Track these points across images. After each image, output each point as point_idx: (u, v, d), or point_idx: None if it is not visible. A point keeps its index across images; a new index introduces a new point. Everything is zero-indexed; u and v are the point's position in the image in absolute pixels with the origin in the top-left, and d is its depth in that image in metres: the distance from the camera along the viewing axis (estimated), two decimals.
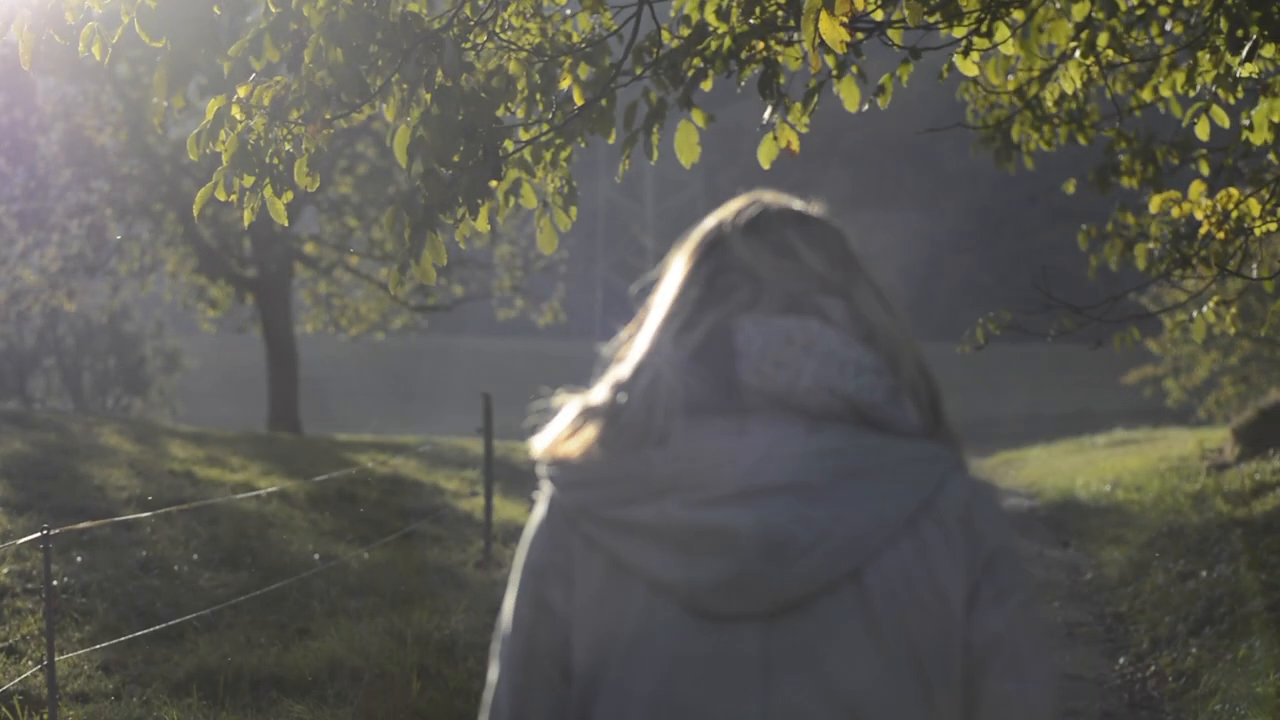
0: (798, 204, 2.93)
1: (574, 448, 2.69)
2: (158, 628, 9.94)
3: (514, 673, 2.72)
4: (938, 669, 2.59)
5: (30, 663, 9.39)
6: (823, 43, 3.95)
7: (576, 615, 2.66)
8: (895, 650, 2.55)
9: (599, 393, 2.74)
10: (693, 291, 2.76)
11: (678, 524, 2.55)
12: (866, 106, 7.73)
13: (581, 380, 2.87)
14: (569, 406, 2.75)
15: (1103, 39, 9.05)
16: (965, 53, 8.35)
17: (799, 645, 2.54)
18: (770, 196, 2.92)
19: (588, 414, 2.71)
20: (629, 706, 2.60)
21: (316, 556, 13.06)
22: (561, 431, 2.72)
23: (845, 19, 3.35)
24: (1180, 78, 8.71)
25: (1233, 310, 10.11)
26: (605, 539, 2.63)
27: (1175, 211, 9.62)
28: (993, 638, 2.63)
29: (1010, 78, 9.82)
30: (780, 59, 7.30)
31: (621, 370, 2.75)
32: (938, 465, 2.65)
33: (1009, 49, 8.49)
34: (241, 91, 6.13)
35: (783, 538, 2.52)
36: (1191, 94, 8.85)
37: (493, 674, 2.78)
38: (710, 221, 2.89)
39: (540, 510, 2.76)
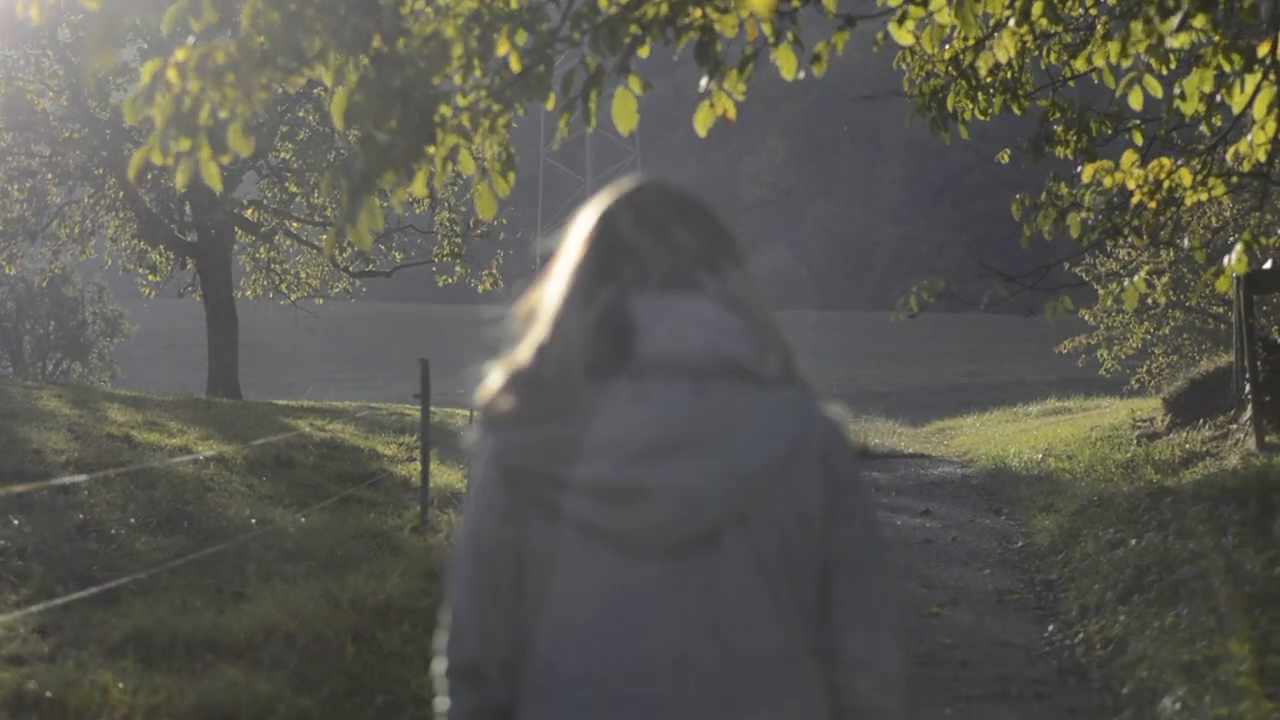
0: (674, 187, 3.38)
1: (507, 409, 3.18)
2: (94, 591, 9.91)
3: (474, 594, 3.21)
4: (807, 579, 3.17)
5: None
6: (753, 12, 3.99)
7: (523, 548, 3.15)
8: (775, 569, 3.13)
9: (523, 354, 3.23)
10: (589, 267, 3.25)
11: (604, 481, 3.06)
12: (803, 75, 7.76)
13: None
14: (499, 368, 3.24)
15: (1037, 8, 9.12)
16: (900, 21, 8.41)
17: (700, 572, 3.09)
18: (651, 181, 3.38)
19: (516, 377, 3.20)
20: (568, 623, 3.13)
21: (253, 521, 13.05)
22: (495, 392, 3.22)
23: None
24: (1114, 48, 8.76)
25: (1165, 280, 10.20)
26: (544, 492, 3.11)
27: (1108, 181, 9.69)
28: (840, 549, 3.19)
29: (946, 47, 9.87)
30: (717, 26, 7.32)
31: (538, 333, 3.24)
32: (801, 408, 3.19)
33: (944, 18, 8.53)
34: (179, 55, 6.12)
35: (686, 489, 3.06)
36: (1125, 64, 8.90)
37: (454, 596, 3.24)
38: (599, 205, 3.34)
39: (486, 463, 3.20)
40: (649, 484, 3.06)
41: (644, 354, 3.11)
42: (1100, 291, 17.86)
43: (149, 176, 30.52)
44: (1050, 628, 11.46)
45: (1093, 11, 9.43)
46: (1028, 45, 9.59)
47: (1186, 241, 10.61)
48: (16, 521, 11.51)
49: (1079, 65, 9.71)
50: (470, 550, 3.22)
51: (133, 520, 12.24)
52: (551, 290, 3.29)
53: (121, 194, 31.36)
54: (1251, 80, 8.37)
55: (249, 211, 33.10)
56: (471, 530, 3.22)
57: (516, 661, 3.21)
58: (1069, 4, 9.29)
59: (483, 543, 3.20)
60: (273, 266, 35.33)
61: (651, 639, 3.10)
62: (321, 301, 37.04)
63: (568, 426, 3.10)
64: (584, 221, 3.32)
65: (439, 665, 3.28)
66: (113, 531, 11.78)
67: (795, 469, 3.13)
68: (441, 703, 3.29)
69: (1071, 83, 10.17)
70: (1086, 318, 45.24)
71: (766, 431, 3.13)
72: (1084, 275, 31.90)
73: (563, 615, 3.14)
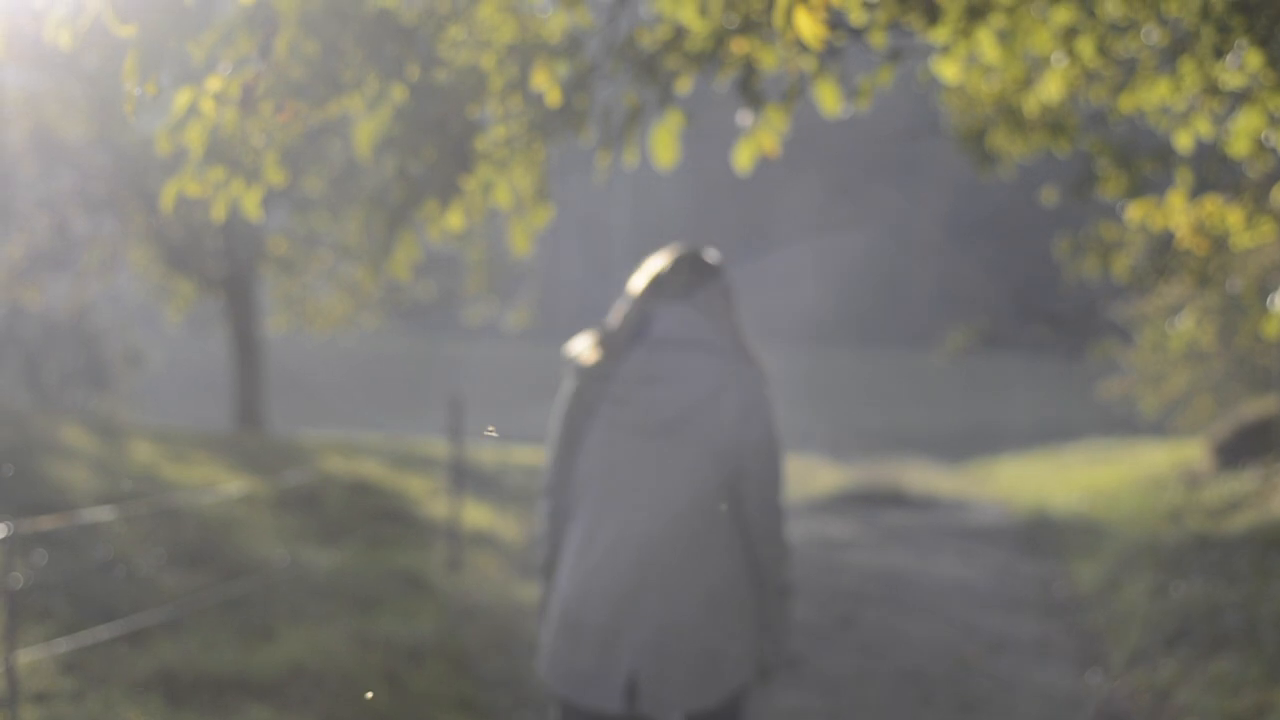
0: (691, 249, 6.08)
1: (587, 355, 5.86)
2: (120, 627, 9.82)
3: (560, 455, 5.93)
4: (730, 458, 5.69)
5: None
6: (800, 42, 3.85)
7: (577, 430, 5.84)
8: (712, 449, 5.68)
9: (603, 327, 5.95)
10: (644, 291, 5.96)
11: (621, 394, 5.77)
12: (847, 112, 7.65)
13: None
14: (588, 335, 5.94)
15: (1085, 46, 8.98)
16: (946, 57, 8.28)
17: (672, 444, 5.71)
18: (681, 246, 6.11)
19: (595, 339, 5.90)
20: (589, 467, 5.81)
21: (281, 558, 12.95)
22: (583, 347, 5.91)
23: (822, 14, 3.26)
24: (1163, 87, 8.63)
25: (1212, 323, 10.09)
26: (594, 401, 5.81)
27: (1154, 222, 9.55)
28: (748, 442, 5.71)
29: (990, 84, 9.75)
30: (759, 61, 7.22)
31: (612, 321, 5.96)
32: (731, 364, 5.79)
33: (990, 55, 8.41)
34: (212, 84, 6.02)
35: (660, 402, 5.72)
36: (1175, 104, 8.77)
37: (548, 455, 5.97)
38: (652, 264, 6.04)
39: (569, 384, 5.88)
40: (637, 397, 5.72)
41: (652, 335, 5.84)
42: (1146, 333, 17.71)
43: (177, 208, 30.53)
44: (1094, 676, 11.29)
45: (1141, 51, 9.27)
46: (1074, 83, 9.45)
47: (1238, 283, 10.46)
48: (41, 556, 11.41)
49: (1126, 104, 9.58)
50: (561, 430, 5.89)
51: (159, 556, 12.14)
52: (628, 301, 5.96)
53: (147, 224, 31.33)
54: None
55: (278, 244, 33.06)
56: (562, 421, 5.89)
57: (573, 484, 5.87)
58: (1117, 42, 9.14)
59: (561, 426, 5.89)
60: (301, 300, 35.30)
61: (628, 476, 5.73)
62: (350, 335, 36.98)
63: (609, 368, 5.80)
64: (650, 266, 6.00)
65: (544, 485, 6.03)
66: (139, 567, 11.68)
67: (722, 396, 5.71)
68: (542, 506, 6.05)
69: (1118, 122, 10.02)
70: (1129, 360, 45.08)
71: (707, 375, 5.74)
72: (1125, 317, 31.79)
73: (590, 461, 5.80)
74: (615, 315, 5.96)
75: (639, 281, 5.96)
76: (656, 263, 5.99)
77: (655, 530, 5.67)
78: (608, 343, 5.84)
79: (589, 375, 5.80)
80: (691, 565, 5.67)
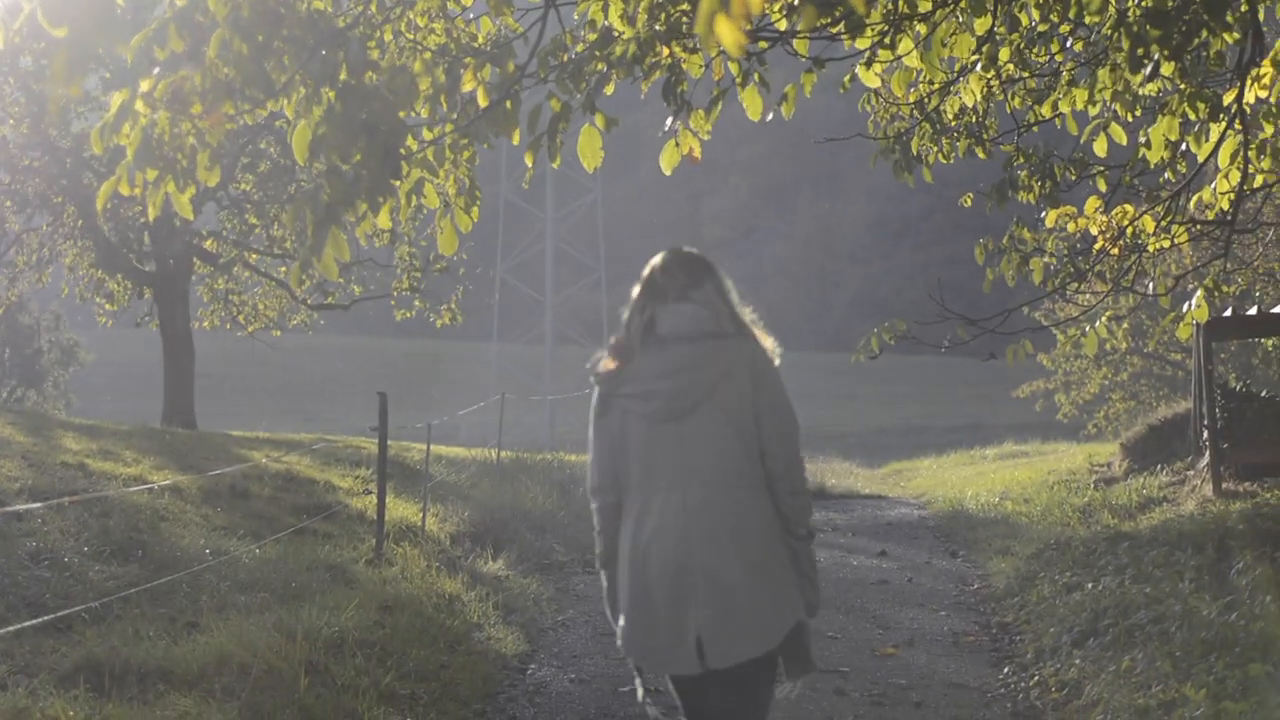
0: (683, 251, 6.58)
1: (607, 365, 6.37)
2: (46, 619, 9.84)
3: (598, 456, 6.42)
4: (747, 428, 6.24)
5: None
6: (722, 50, 3.97)
7: (613, 429, 6.36)
8: (733, 417, 6.21)
9: (616, 337, 6.46)
10: (642, 295, 6.43)
11: (638, 390, 6.28)
12: (771, 116, 7.78)
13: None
14: (607, 347, 6.47)
15: (1004, 54, 9.14)
16: (868, 64, 8.42)
17: (697, 422, 6.22)
18: (672, 250, 6.57)
19: (610, 349, 6.43)
20: (632, 460, 6.32)
21: (207, 551, 12.97)
22: (604, 359, 6.41)
23: (744, 22, 3.36)
24: (1081, 95, 8.80)
25: (1124, 325, 10.23)
26: (618, 402, 6.34)
27: (1071, 227, 9.72)
28: (762, 408, 6.25)
29: (912, 90, 9.89)
30: (684, 66, 7.33)
31: (623, 328, 6.44)
32: (741, 344, 6.32)
33: (912, 62, 8.56)
34: (144, 85, 6.09)
35: (681, 390, 6.22)
36: (1092, 111, 8.93)
37: (591, 456, 6.45)
38: (650, 264, 6.49)
39: (597, 392, 6.39)
40: (659, 389, 6.23)
41: (660, 333, 6.32)
42: (1060, 337, 17.94)
43: (109, 205, 30.42)
44: (1006, 670, 11.45)
45: (1059, 58, 9.45)
46: (994, 90, 9.61)
47: (1151, 287, 10.63)
48: None
49: (1045, 111, 9.74)
50: (595, 435, 6.42)
51: (86, 549, 12.16)
52: (630, 307, 6.45)
53: (80, 222, 31.22)
54: (1216, 129, 8.42)
55: (208, 242, 32.97)
56: (594, 427, 6.42)
57: (616, 481, 6.41)
58: (1036, 50, 9.31)
59: (595, 431, 6.42)
60: (230, 298, 35.22)
61: (659, 458, 6.25)
62: (279, 333, 36.92)
63: (629, 370, 6.32)
64: (644, 273, 6.46)
65: (589, 487, 6.52)
66: (66, 560, 11.70)
67: (735, 373, 6.23)
68: (592, 504, 6.56)
69: (1036, 128, 10.19)
70: (1045, 362, 45.43)
71: (719, 360, 6.25)
72: (1044, 320, 32.07)
73: (628, 456, 6.33)
74: (623, 320, 6.49)
75: (638, 287, 6.47)
76: (652, 267, 6.47)
77: (695, 503, 6.20)
78: (622, 348, 6.40)
79: (611, 381, 6.37)
80: (733, 529, 6.19)
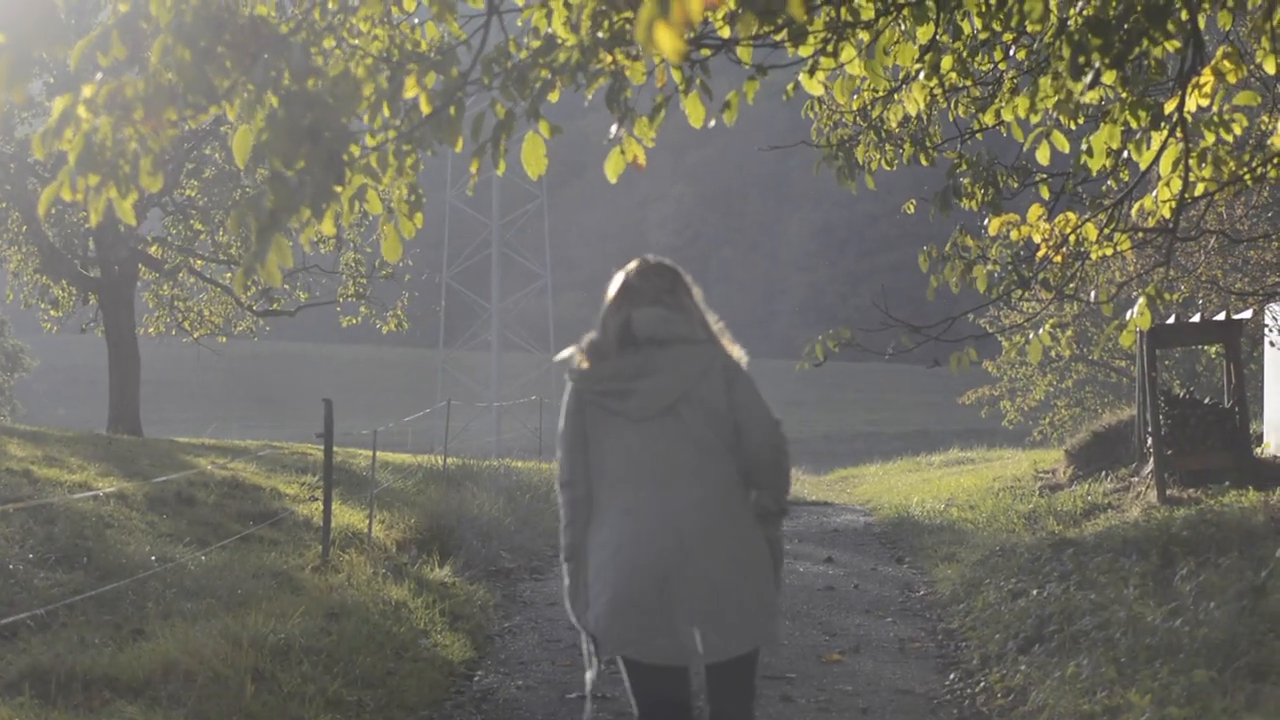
0: (655, 260, 6.96)
1: (580, 361, 6.72)
2: None
3: (568, 449, 6.71)
4: (724, 426, 6.60)
5: None
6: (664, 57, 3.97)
7: (584, 426, 6.67)
8: (709, 413, 6.57)
9: (590, 336, 6.79)
10: (617, 299, 6.80)
11: (615, 389, 6.61)
12: (713, 123, 7.78)
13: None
14: (579, 343, 6.80)
15: (946, 62, 9.17)
16: (811, 72, 8.44)
17: (674, 420, 6.56)
18: (645, 259, 6.98)
19: (585, 346, 6.76)
20: (605, 456, 6.62)
21: (153, 558, 12.93)
22: (576, 353, 6.75)
23: (683, 30, 3.34)
24: (1023, 103, 8.82)
25: (1068, 332, 10.26)
26: (592, 399, 6.66)
27: (1014, 234, 9.76)
28: (738, 408, 6.61)
29: (855, 98, 9.91)
30: (628, 73, 7.33)
31: (598, 328, 6.79)
32: (713, 349, 6.72)
33: (854, 69, 8.58)
34: (87, 90, 6.06)
35: (658, 390, 6.56)
36: (1034, 119, 8.96)
37: (560, 450, 6.75)
38: (623, 271, 6.89)
39: (569, 389, 6.72)
40: (636, 389, 6.57)
41: (637, 336, 6.65)
42: (1004, 344, 18.01)
43: (53, 211, 30.29)
44: (951, 676, 11.49)
45: (1002, 66, 9.48)
46: (937, 98, 9.64)
47: (1093, 295, 10.67)
48: None
49: (987, 119, 9.77)
50: (564, 430, 6.74)
51: (31, 556, 12.11)
52: (604, 310, 6.81)
53: (25, 228, 31.09)
54: (1158, 137, 8.45)
55: (153, 248, 32.87)
56: (565, 422, 6.73)
57: (587, 475, 6.69)
58: (978, 58, 9.34)
59: (568, 426, 6.72)
60: (176, 304, 35.14)
61: (641, 456, 6.56)
62: (224, 340, 36.85)
63: (604, 369, 6.66)
64: (617, 278, 6.87)
65: (557, 482, 6.78)
66: (10, 567, 11.66)
67: (709, 376, 6.62)
68: (560, 497, 6.78)
69: (979, 136, 10.22)
70: (990, 369, 45.60)
71: (693, 362, 6.63)
72: (988, 327, 32.20)
73: (603, 452, 6.63)
74: (599, 322, 6.85)
75: (612, 291, 6.87)
76: (627, 272, 6.92)
77: (683, 500, 6.51)
78: (598, 348, 6.75)
79: (586, 378, 6.70)
80: (720, 526, 6.53)
